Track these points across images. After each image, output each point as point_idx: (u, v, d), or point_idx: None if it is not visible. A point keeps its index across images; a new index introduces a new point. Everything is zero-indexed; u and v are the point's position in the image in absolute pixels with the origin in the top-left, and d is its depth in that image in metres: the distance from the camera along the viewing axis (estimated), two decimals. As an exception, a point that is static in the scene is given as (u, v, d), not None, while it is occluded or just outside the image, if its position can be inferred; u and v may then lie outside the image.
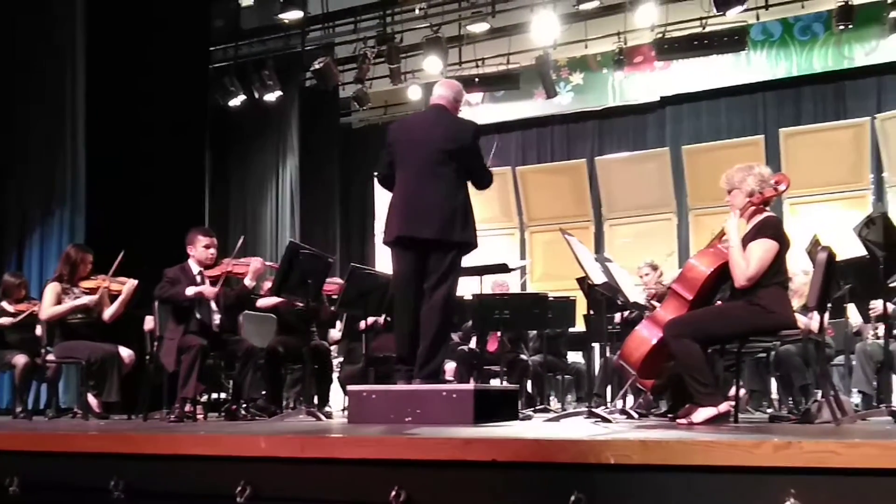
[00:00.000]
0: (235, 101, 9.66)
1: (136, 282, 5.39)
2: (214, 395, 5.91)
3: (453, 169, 4.05)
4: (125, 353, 5.36)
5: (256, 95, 9.65)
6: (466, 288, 5.56)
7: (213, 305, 5.01)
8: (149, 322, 5.48)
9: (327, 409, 5.51)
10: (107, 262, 5.46)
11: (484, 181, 4.27)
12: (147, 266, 5.37)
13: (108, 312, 5.44)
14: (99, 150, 6.88)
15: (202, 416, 5.25)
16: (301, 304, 5.19)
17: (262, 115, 9.94)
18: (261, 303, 5.79)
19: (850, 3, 8.09)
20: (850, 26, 8.21)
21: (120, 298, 5.41)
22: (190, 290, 4.87)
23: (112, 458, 2.85)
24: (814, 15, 8.97)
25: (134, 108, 6.97)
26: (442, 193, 4.02)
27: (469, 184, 4.17)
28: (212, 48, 8.76)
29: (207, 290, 4.92)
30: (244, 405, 5.09)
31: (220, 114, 9.52)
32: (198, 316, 4.90)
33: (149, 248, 6.07)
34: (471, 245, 4.11)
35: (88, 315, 5.40)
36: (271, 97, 9.64)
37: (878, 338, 5.18)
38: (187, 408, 4.73)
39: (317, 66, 9.38)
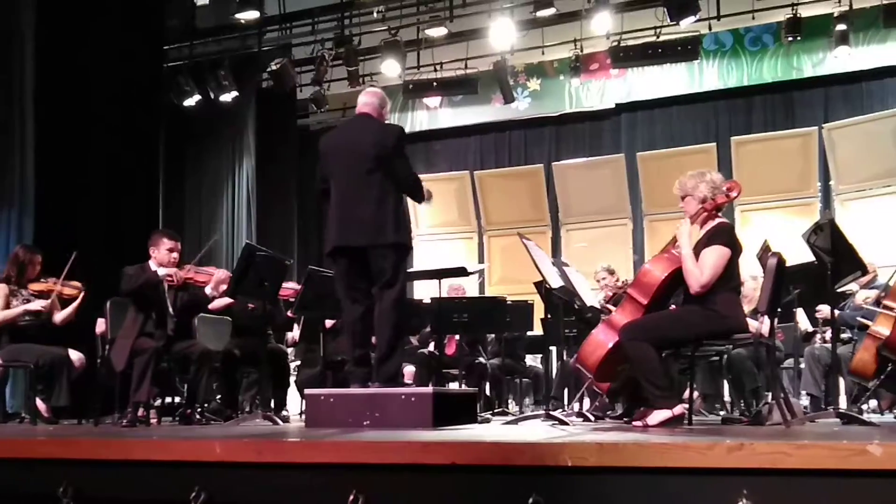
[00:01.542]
0: (190, 101, 9.51)
1: (81, 286, 5.28)
2: (168, 399, 5.80)
3: (382, 174, 4.09)
4: (75, 356, 5.24)
5: (212, 96, 9.51)
6: (425, 291, 5.57)
7: (169, 308, 4.93)
8: (100, 325, 5.36)
9: (284, 412, 5.46)
10: (55, 264, 5.33)
11: (408, 184, 4.25)
12: (99, 268, 5.26)
13: (60, 316, 5.32)
14: (48, 149, 6.70)
15: (155, 420, 5.15)
16: (252, 305, 5.13)
17: (218, 115, 9.80)
18: (214, 304, 5.69)
19: (798, 15, 8.31)
20: (799, 38, 8.43)
21: (72, 306, 5.31)
22: (161, 271, 4.79)
23: (61, 464, 2.78)
24: (764, 26, 9.19)
25: (85, 107, 6.81)
26: (372, 199, 4.06)
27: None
28: (166, 47, 8.61)
29: (177, 274, 4.86)
30: (199, 409, 5.02)
31: (176, 113, 9.36)
32: (162, 278, 4.80)
33: (101, 249, 5.94)
34: (405, 247, 4.15)
35: (37, 317, 5.26)
36: (227, 98, 9.52)
37: (825, 342, 5.33)
38: (140, 412, 4.63)
39: (274, 68, 9.28)
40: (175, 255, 5.00)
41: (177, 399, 5.79)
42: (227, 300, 5.47)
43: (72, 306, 5.28)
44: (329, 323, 5.73)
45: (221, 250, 9.45)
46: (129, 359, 4.67)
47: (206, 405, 5.22)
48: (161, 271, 4.84)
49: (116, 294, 4.97)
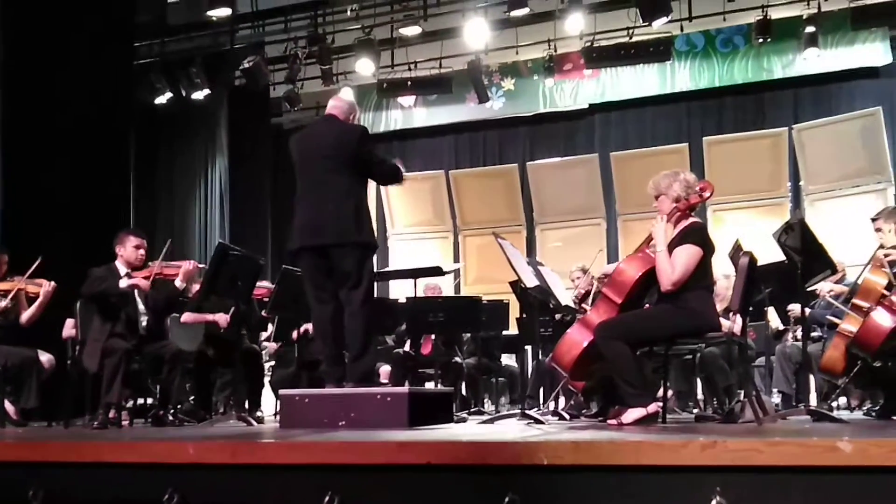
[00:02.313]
0: (162, 99, 9.40)
1: (53, 284, 5.19)
2: (140, 401, 5.73)
3: (344, 174, 4.12)
4: (44, 357, 5.16)
5: (184, 93, 9.41)
6: (400, 291, 5.57)
7: (141, 307, 4.88)
8: (69, 327, 5.29)
9: (259, 413, 5.41)
10: (23, 264, 5.24)
11: (383, 176, 4.35)
12: (67, 269, 5.17)
13: (26, 315, 5.23)
14: (16, 147, 6.59)
15: (127, 422, 5.10)
16: (223, 327, 5.12)
17: (191, 113, 9.69)
18: (185, 318, 5.64)
19: (768, 17, 8.41)
20: (769, 40, 8.53)
21: (38, 301, 5.20)
22: (124, 282, 4.74)
23: (31, 466, 2.74)
24: (735, 28, 9.28)
25: (54, 105, 6.69)
26: (333, 200, 4.07)
27: (369, 185, 4.25)
28: (137, 44, 8.50)
29: (142, 281, 4.80)
30: (172, 410, 4.96)
31: (147, 111, 9.24)
32: (123, 289, 4.74)
33: (69, 249, 5.85)
34: (370, 245, 4.17)
35: (5, 318, 5.17)
36: (199, 95, 9.41)
37: (796, 340, 5.41)
38: (111, 414, 4.58)
39: (246, 65, 9.20)
40: (142, 252, 4.95)
41: (149, 400, 5.73)
42: (197, 316, 5.45)
43: (36, 303, 5.19)
44: (295, 333, 5.70)
45: (194, 249, 9.36)
46: (100, 360, 4.61)
47: (179, 406, 5.16)
48: (124, 283, 4.77)
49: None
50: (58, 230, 6.27)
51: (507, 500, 2.27)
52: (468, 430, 3.75)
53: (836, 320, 4.63)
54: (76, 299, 5.03)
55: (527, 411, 4.42)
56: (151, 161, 9.57)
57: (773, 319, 5.92)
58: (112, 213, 6.79)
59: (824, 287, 5.06)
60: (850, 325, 4.16)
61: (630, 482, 2.25)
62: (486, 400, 7.53)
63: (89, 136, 6.80)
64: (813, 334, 5.30)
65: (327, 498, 2.38)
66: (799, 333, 5.14)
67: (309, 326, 5.64)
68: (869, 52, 8.82)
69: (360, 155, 4.17)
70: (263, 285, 5.61)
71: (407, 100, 10.34)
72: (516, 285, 5.24)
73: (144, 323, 4.88)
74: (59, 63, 6.76)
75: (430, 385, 6.06)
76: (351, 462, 2.46)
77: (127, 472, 2.65)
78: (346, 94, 4.55)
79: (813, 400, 5.40)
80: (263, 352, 6.45)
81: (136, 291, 4.95)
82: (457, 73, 9.42)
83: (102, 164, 6.93)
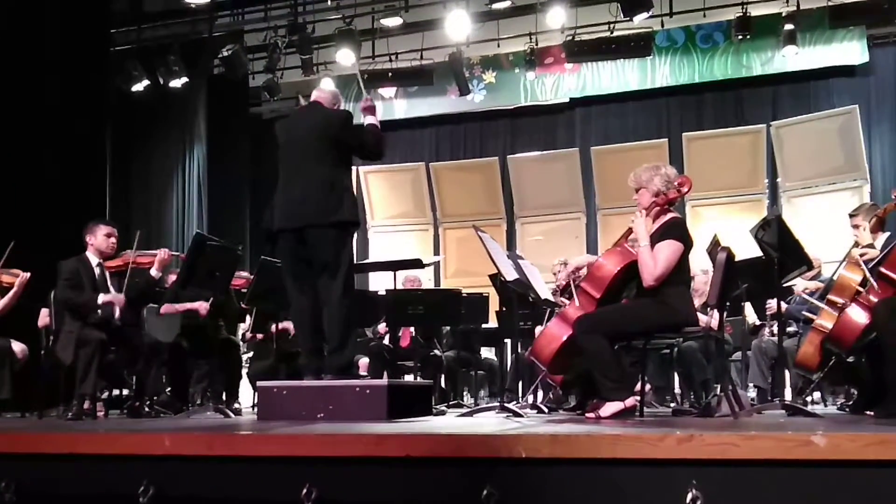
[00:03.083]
0: (139, 87, 9.27)
1: (27, 275, 5.11)
2: (116, 392, 5.67)
3: (327, 159, 4.09)
4: (17, 347, 5.07)
5: (161, 81, 9.29)
6: (380, 283, 5.54)
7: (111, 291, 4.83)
8: (43, 317, 5.22)
9: (236, 405, 5.38)
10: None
11: (371, 151, 4.29)
12: (41, 258, 5.10)
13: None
14: (-12, 134, 6.48)
15: (102, 413, 5.04)
16: (203, 315, 5.08)
17: (168, 101, 9.58)
18: (164, 310, 5.57)
19: (748, 14, 8.46)
20: (749, 37, 8.59)
21: (11, 292, 5.12)
22: (101, 298, 4.69)
23: (3, 458, 2.70)
24: (715, 24, 9.34)
25: (27, 92, 6.58)
26: (313, 184, 4.05)
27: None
28: (113, 30, 8.38)
29: (118, 298, 4.75)
30: (148, 402, 4.91)
31: (123, 99, 9.12)
32: (100, 306, 4.69)
33: (43, 238, 5.76)
34: (350, 223, 4.12)
35: (-21, 307, 5.09)
36: (177, 84, 9.30)
37: (772, 335, 5.46)
38: (86, 405, 4.52)
39: (225, 54, 9.11)
40: (113, 241, 4.90)
41: (125, 391, 5.67)
42: (177, 306, 5.39)
43: (10, 294, 5.11)
44: (282, 325, 5.66)
45: (171, 240, 9.27)
46: (74, 351, 4.55)
47: (155, 398, 5.12)
48: (101, 298, 4.72)
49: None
50: (31, 219, 6.17)
51: (485, 492, 2.27)
52: (447, 422, 3.75)
53: (811, 316, 4.67)
54: (50, 289, 4.96)
55: (505, 404, 4.43)
56: (128, 149, 9.45)
57: (750, 315, 5.98)
58: (87, 201, 6.71)
59: (799, 285, 5.11)
60: (825, 321, 4.20)
61: (607, 475, 2.26)
62: (465, 393, 7.54)
63: (64, 123, 6.70)
64: (788, 329, 5.36)
65: (305, 490, 2.37)
66: (775, 329, 5.19)
67: (287, 325, 5.61)
68: (846, 50, 8.93)
69: (345, 138, 4.15)
70: (242, 275, 5.57)
71: (387, 91, 10.29)
72: (496, 278, 5.24)
73: (118, 314, 4.82)
74: (34, 49, 6.64)
75: (409, 378, 6.05)
76: (329, 454, 2.45)
77: (102, 464, 2.62)
78: (328, 85, 4.54)
79: (788, 394, 5.47)
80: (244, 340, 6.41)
81: (108, 280, 4.90)
82: (438, 65, 9.39)
83: (78, 151, 6.83)
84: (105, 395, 5.44)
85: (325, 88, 4.56)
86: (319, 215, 4.00)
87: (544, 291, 4.85)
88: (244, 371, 6.13)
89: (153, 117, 9.76)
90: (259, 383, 4.14)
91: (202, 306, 5.33)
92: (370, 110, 4.35)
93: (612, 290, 3.95)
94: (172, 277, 5.54)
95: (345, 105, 4.61)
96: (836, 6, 8.11)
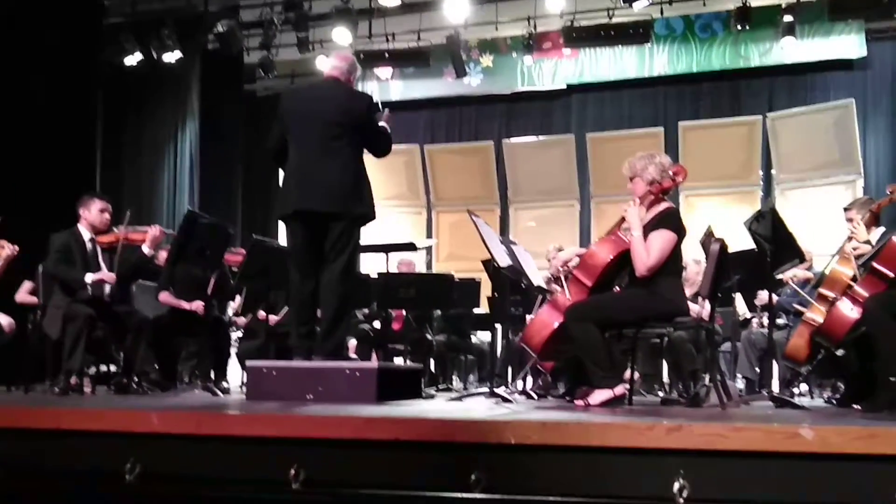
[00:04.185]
0: (131, 61, 9.16)
1: (16, 248, 5.07)
2: (104, 368, 5.65)
3: (347, 142, 4.03)
4: (4, 320, 5.05)
5: (155, 56, 9.18)
6: (372, 266, 5.53)
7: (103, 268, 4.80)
8: (22, 291, 5.19)
9: (224, 384, 5.36)
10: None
11: (382, 149, 4.25)
12: (30, 232, 5.05)
13: (-14, 277, 5.11)
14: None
15: (89, 389, 5.02)
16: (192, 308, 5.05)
17: (161, 76, 9.47)
18: (162, 298, 5.54)
19: (748, 5, 8.43)
20: (747, 27, 8.56)
21: None
22: (90, 277, 4.65)
23: (-13, 433, 2.68)
24: (714, 14, 9.30)
25: (18, 65, 6.49)
26: (337, 167, 3.98)
27: (366, 154, 4.17)
28: (106, 2, 8.27)
29: (108, 276, 4.71)
30: (135, 378, 4.89)
31: (116, 73, 9.01)
32: (90, 282, 4.65)
33: (32, 212, 5.71)
34: (367, 217, 4.09)
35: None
36: (170, 58, 9.19)
37: (762, 326, 5.49)
38: (73, 380, 4.50)
39: (220, 30, 9.00)
40: (107, 216, 4.86)
41: (112, 368, 5.65)
42: (173, 300, 5.37)
43: None
44: (273, 319, 5.62)
45: (162, 216, 9.20)
46: (62, 326, 4.52)
47: (143, 375, 5.09)
48: (90, 277, 4.68)
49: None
50: (20, 192, 6.12)
51: (473, 477, 2.27)
52: (436, 407, 3.74)
53: (801, 309, 4.70)
54: (38, 263, 4.92)
55: (495, 390, 4.43)
56: (119, 124, 9.36)
57: (740, 306, 6.00)
58: (77, 175, 6.65)
59: (789, 274, 5.12)
60: (815, 315, 4.21)
61: (596, 463, 2.27)
62: (454, 377, 7.55)
63: (55, 95, 6.62)
64: (778, 321, 5.38)
65: (293, 472, 2.37)
66: (765, 320, 5.20)
67: (273, 318, 5.58)
68: (844, 44, 8.90)
69: (368, 124, 4.08)
70: (239, 251, 5.53)
71: (384, 72, 10.21)
72: (489, 264, 5.23)
73: (108, 290, 4.79)
74: (25, 19, 6.55)
75: (399, 361, 6.05)
76: (318, 436, 2.44)
77: (88, 440, 2.61)
78: (340, 55, 4.35)
79: (775, 386, 5.49)
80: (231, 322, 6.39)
81: (99, 255, 4.87)
82: (435, 47, 9.32)
83: (68, 124, 6.76)
84: (92, 370, 5.42)
85: (342, 55, 4.36)
86: (343, 205, 3.95)
87: (537, 278, 4.85)
88: (233, 350, 6.11)
89: (145, 92, 9.66)
90: (248, 363, 4.13)
91: (199, 307, 5.26)
92: (386, 120, 4.28)
93: (604, 279, 3.95)
94: (164, 254, 5.50)
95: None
96: (836, -1, 8.09)
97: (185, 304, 5.34)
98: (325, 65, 4.31)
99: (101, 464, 2.55)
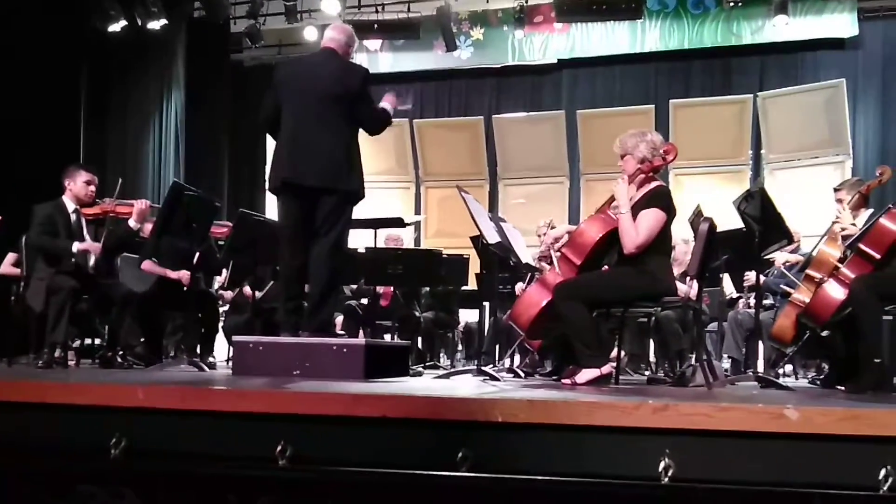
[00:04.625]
0: (116, 27, 8.98)
1: None
2: (88, 341, 5.61)
3: (342, 114, 3.98)
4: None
5: (140, 22, 9.00)
6: (360, 241, 5.50)
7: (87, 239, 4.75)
8: (6, 264, 5.13)
9: (210, 359, 5.34)
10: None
11: (374, 126, 4.21)
12: (12, 202, 4.99)
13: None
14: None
15: (74, 362, 4.99)
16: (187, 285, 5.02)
17: (146, 44, 9.30)
18: (145, 266, 5.48)
19: (741, -20, 8.38)
20: (740, 4, 8.50)
21: None
22: (76, 246, 4.60)
23: (-31, 406, 2.65)
24: (707, -11, 9.26)
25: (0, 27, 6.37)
26: (329, 140, 3.94)
27: (359, 130, 4.12)
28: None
29: (94, 247, 4.66)
30: (120, 352, 4.86)
31: (100, 40, 8.85)
32: (76, 251, 4.60)
33: (16, 183, 5.63)
34: (357, 195, 4.05)
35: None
36: (155, 25, 9.02)
37: (749, 307, 5.51)
38: (57, 353, 4.47)
39: (206, -3, 8.86)
40: (93, 188, 4.80)
41: (97, 341, 5.62)
42: (158, 269, 5.31)
43: None
44: (258, 294, 5.58)
45: (147, 188, 9.10)
46: (46, 299, 4.48)
47: (128, 348, 5.07)
48: (76, 247, 4.63)
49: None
50: (2, 162, 6.03)
51: (460, 455, 2.28)
52: (424, 384, 3.75)
53: (789, 290, 4.72)
54: (20, 234, 4.86)
55: (483, 367, 4.43)
56: (103, 92, 9.19)
57: (728, 286, 6.02)
58: (60, 144, 6.56)
59: (780, 258, 5.14)
60: (802, 296, 4.23)
61: (582, 442, 2.28)
62: (441, 354, 7.56)
63: (37, 62, 6.51)
64: (765, 302, 5.41)
65: (280, 448, 2.36)
66: (752, 301, 5.23)
67: (258, 293, 5.54)
68: (836, 22, 8.86)
69: (360, 100, 4.04)
70: (224, 224, 5.48)
71: (373, 43, 10.10)
72: (477, 240, 5.21)
73: (92, 262, 4.75)
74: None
75: (387, 337, 6.04)
76: (305, 412, 2.43)
77: (72, 414, 2.59)
78: (337, 26, 4.29)
79: (761, 366, 5.53)
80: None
81: (84, 227, 4.81)
82: (425, 19, 9.21)
83: (51, 92, 6.66)
84: (76, 343, 5.39)
85: (339, 27, 4.30)
86: (331, 180, 3.91)
87: (525, 255, 4.84)
88: (220, 325, 6.08)
89: (130, 60, 9.48)
90: (235, 338, 4.11)
91: (185, 276, 5.22)
92: (393, 105, 4.23)
93: (593, 257, 3.94)
94: (149, 227, 5.44)
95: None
96: (830, -23, 8.05)
97: (170, 273, 5.29)
98: (323, 36, 4.25)
99: (87, 438, 2.53)
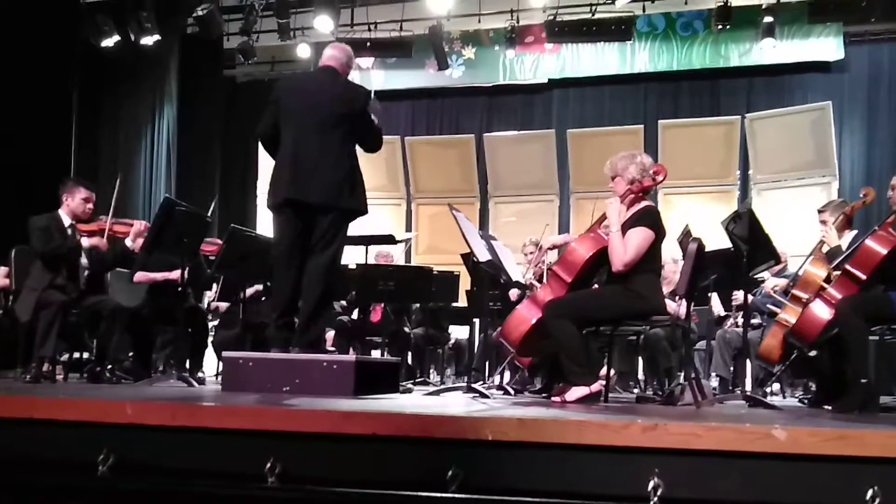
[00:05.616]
0: (109, 42, 8.98)
1: None
2: (77, 355, 5.57)
3: (342, 133, 4.00)
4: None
5: (132, 38, 9.02)
6: (351, 257, 5.51)
7: (84, 261, 4.73)
8: (-1, 276, 5.11)
9: (200, 374, 5.32)
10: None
11: (373, 145, 4.25)
12: (3, 216, 4.98)
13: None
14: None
15: (61, 376, 4.96)
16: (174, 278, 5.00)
17: (139, 59, 9.30)
18: (137, 278, 5.47)
19: (729, 4, 8.48)
20: (728, 27, 8.61)
21: None
22: (85, 242, 4.63)
23: (-43, 421, 2.63)
24: (696, 12, 9.35)
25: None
26: (331, 158, 3.95)
27: (357, 147, 4.14)
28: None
29: (102, 242, 4.66)
30: (108, 367, 4.84)
31: (92, 54, 8.85)
32: (86, 245, 4.59)
33: (6, 196, 5.62)
34: (358, 211, 4.07)
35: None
36: (149, 41, 9.03)
37: (737, 326, 5.54)
38: (45, 367, 4.44)
39: (200, 13, 8.87)
40: (90, 206, 4.80)
41: (85, 355, 5.58)
42: (150, 275, 5.30)
43: None
44: (250, 290, 5.59)
45: (138, 203, 9.08)
46: (35, 311, 4.46)
47: (117, 363, 5.04)
48: (86, 242, 4.63)
49: (23, 243, 4.73)
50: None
51: (450, 473, 2.27)
52: (414, 401, 3.74)
53: (775, 309, 4.75)
54: (10, 247, 4.85)
55: (472, 385, 4.43)
56: (95, 107, 9.18)
57: (716, 305, 6.05)
58: (51, 159, 6.55)
59: (769, 283, 5.18)
60: (788, 315, 4.26)
61: (572, 461, 2.28)
62: (431, 370, 7.55)
63: (30, 76, 6.51)
64: (753, 321, 5.44)
65: (269, 465, 2.35)
66: (740, 320, 5.26)
67: (256, 288, 5.54)
68: (823, 46, 9.00)
69: (362, 119, 4.06)
70: (215, 242, 5.49)
71: (365, 61, 10.15)
72: (468, 258, 5.23)
73: (85, 277, 4.73)
74: (0, -1, 6.43)
75: (376, 353, 6.04)
76: (295, 429, 2.43)
77: (60, 429, 2.57)
78: (341, 44, 4.33)
79: (748, 385, 5.56)
80: (210, 309, 6.33)
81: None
82: (417, 38, 9.28)
83: (43, 106, 6.65)
84: (65, 357, 5.35)
85: (339, 46, 4.33)
86: (332, 199, 3.92)
87: (516, 274, 4.86)
88: (209, 340, 6.06)
89: (123, 74, 9.48)
90: (224, 354, 4.09)
91: (175, 274, 5.21)
92: (375, 112, 4.27)
93: (583, 275, 3.97)
94: (141, 241, 5.43)
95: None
96: (816, 1, 8.16)
97: (159, 276, 5.27)
98: (322, 54, 4.27)
99: (75, 453, 2.51)
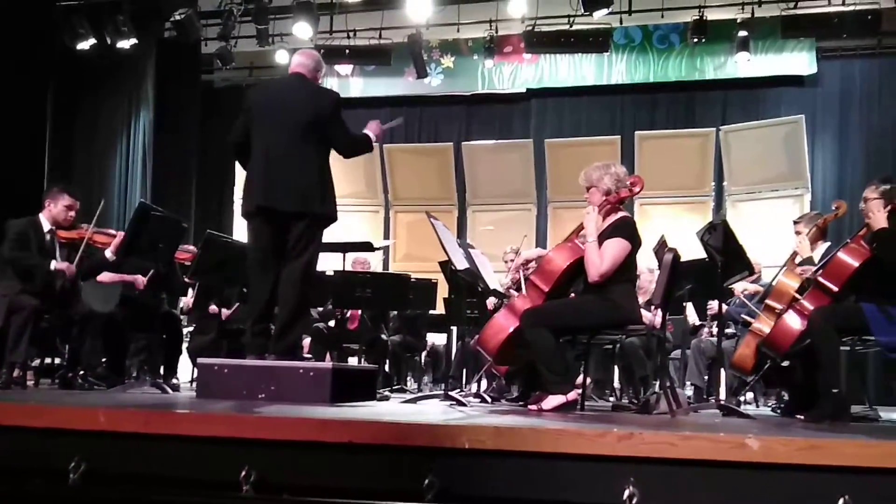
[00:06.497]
0: (85, 45, 8.89)
1: None
2: (48, 360, 5.49)
3: (314, 139, 4.00)
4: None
5: (109, 41, 8.93)
6: (328, 264, 5.50)
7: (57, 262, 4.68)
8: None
9: (174, 381, 5.26)
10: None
11: (348, 150, 4.24)
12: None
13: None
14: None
15: (32, 382, 4.88)
16: (139, 289, 4.94)
17: (115, 63, 9.21)
18: (102, 277, 5.41)
19: (704, 18, 8.59)
20: (704, 40, 8.72)
21: None
22: (53, 264, 4.57)
23: (-75, 428, 2.58)
24: (672, 25, 9.46)
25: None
26: (302, 165, 3.95)
27: (332, 154, 4.14)
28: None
29: (70, 269, 4.62)
30: (81, 373, 4.77)
31: (68, 57, 8.76)
32: (52, 268, 4.53)
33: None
34: (331, 218, 4.06)
35: None
36: (125, 45, 8.95)
37: (711, 335, 5.60)
38: (16, 373, 4.37)
39: (177, 17, 8.81)
40: (72, 213, 4.76)
41: (56, 360, 5.50)
42: (116, 276, 5.25)
43: None
44: (225, 313, 5.55)
45: (113, 208, 8.98)
46: (6, 316, 4.39)
47: (89, 368, 4.97)
48: (54, 265, 4.58)
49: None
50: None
51: (427, 481, 2.27)
52: (391, 409, 3.73)
53: (749, 319, 4.80)
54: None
55: (450, 392, 4.43)
56: (70, 110, 9.09)
57: (691, 314, 6.11)
58: (25, 162, 6.46)
59: (738, 287, 5.24)
60: (762, 325, 4.32)
61: (548, 469, 2.28)
62: (408, 377, 7.54)
63: (3, 78, 6.42)
64: (727, 331, 5.50)
65: (244, 473, 2.33)
66: (714, 329, 5.31)
67: (225, 311, 5.50)
68: (796, 60, 9.14)
69: (332, 123, 4.05)
70: (189, 249, 5.44)
71: (344, 68, 10.15)
72: (446, 266, 5.23)
73: (59, 284, 4.67)
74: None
75: (353, 361, 6.01)
76: (270, 437, 2.41)
77: (30, 437, 2.53)
78: (306, 52, 4.34)
79: (723, 394, 5.61)
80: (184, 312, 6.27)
81: (57, 249, 4.75)
82: (396, 46, 9.29)
83: (16, 109, 6.56)
84: (36, 362, 5.27)
85: (307, 52, 4.35)
86: (303, 204, 3.91)
87: (493, 282, 4.87)
88: (184, 346, 6.00)
89: (99, 78, 9.39)
90: (199, 360, 4.05)
91: (140, 280, 5.18)
92: (376, 132, 4.26)
93: (560, 285, 3.99)
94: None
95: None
96: (789, 17, 8.29)
97: (127, 277, 5.23)
98: (291, 61, 4.27)
99: (46, 461, 2.48)
